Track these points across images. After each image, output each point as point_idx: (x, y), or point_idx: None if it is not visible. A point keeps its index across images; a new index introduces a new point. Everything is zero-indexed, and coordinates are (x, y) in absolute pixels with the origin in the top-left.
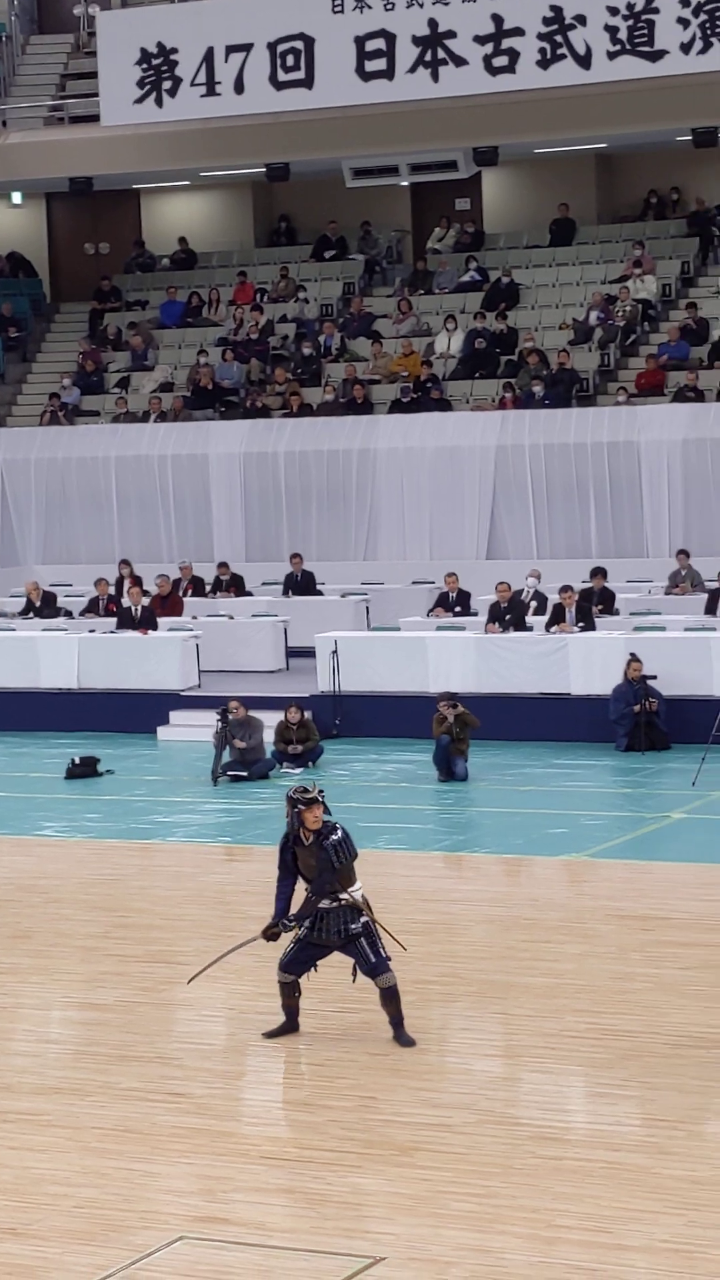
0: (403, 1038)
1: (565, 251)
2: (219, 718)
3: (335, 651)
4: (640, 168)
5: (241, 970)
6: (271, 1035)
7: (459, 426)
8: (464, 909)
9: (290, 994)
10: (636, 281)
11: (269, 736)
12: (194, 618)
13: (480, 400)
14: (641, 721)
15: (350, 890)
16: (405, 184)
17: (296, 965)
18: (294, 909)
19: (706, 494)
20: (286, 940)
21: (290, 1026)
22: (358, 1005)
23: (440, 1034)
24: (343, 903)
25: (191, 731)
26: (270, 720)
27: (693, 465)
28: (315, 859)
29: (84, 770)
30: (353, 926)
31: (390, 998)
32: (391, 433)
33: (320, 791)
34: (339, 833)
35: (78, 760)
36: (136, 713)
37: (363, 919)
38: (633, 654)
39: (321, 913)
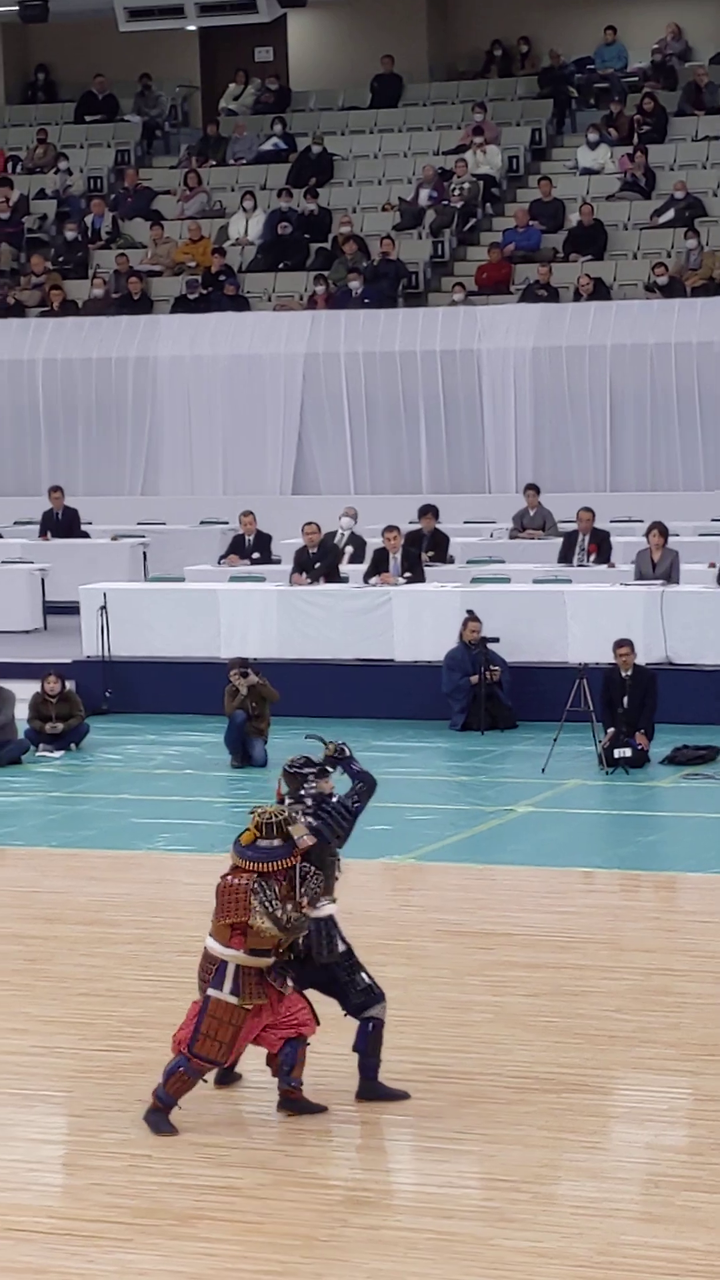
0: (384, 1091)
1: (390, 115)
2: None
3: (104, 607)
4: (482, 12)
5: None
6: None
7: (259, 330)
8: None
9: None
10: (477, 153)
11: (21, 712)
12: None
13: (285, 298)
14: (481, 694)
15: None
16: (193, 28)
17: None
18: None
19: (561, 416)
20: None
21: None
22: (127, 1043)
23: None
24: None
25: None
26: (23, 692)
27: (545, 380)
28: None
29: None
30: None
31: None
32: (176, 337)
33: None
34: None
35: None
36: None
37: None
38: (470, 611)
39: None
